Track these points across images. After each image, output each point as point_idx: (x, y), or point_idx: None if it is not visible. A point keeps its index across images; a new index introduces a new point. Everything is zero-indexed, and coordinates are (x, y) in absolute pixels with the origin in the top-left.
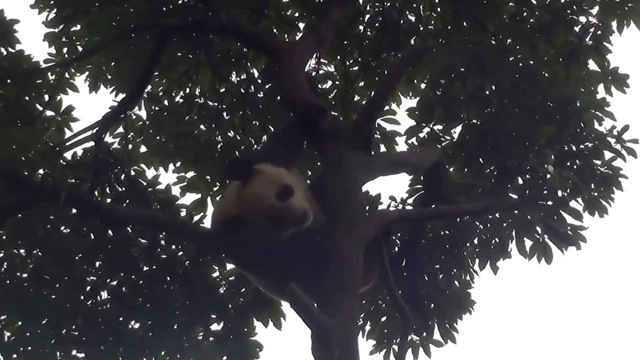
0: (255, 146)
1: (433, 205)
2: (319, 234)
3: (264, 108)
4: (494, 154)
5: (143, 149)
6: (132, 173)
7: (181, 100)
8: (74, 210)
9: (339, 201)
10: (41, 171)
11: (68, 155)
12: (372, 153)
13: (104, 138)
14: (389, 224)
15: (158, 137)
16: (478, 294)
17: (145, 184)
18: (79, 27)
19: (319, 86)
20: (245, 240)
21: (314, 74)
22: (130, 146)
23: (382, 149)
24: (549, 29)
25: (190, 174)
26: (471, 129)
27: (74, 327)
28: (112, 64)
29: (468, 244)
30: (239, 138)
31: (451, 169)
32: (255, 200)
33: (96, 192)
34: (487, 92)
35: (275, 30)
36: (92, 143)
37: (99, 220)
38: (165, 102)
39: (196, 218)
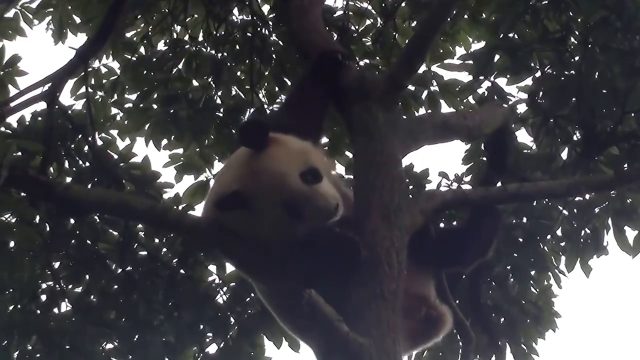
0: (268, 106)
1: (499, 184)
2: (345, 224)
3: (279, 56)
4: (578, 115)
5: (114, 112)
6: (99, 143)
7: (164, 48)
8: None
9: (371, 180)
10: None
11: (12, 120)
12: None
13: (59, 97)
14: (440, 209)
15: (139, 103)
16: (564, 305)
17: (115, 157)
18: None
19: (351, 27)
20: (242, 230)
21: (340, 11)
22: (95, 109)
23: (444, 106)
24: None
25: (183, 150)
26: (546, 82)
27: (28, 347)
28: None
29: (549, 237)
30: (244, 97)
31: (521, 136)
32: (272, 176)
33: (50, 169)
34: (568, 32)
35: None
36: (44, 104)
37: (54, 207)
38: (142, 51)
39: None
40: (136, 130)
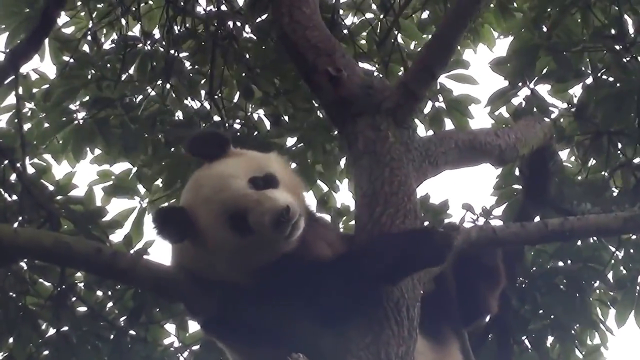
0: (226, 121)
1: (537, 219)
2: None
3: (254, 56)
4: (638, 131)
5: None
6: (30, 171)
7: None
8: None
9: (377, 215)
10: None
11: None
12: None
13: None
14: (463, 250)
15: (61, 102)
16: None
17: (50, 188)
18: None
19: (343, 22)
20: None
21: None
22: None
23: (449, 125)
24: None
25: (119, 167)
26: (599, 90)
27: None
28: None
29: (597, 284)
30: (207, 106)
31: (567, 158)
32: (215, 182)
33: None
34: (626, 28)
35: None
36: None
37: None
38: (86, 49)
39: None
40: (53, 134)
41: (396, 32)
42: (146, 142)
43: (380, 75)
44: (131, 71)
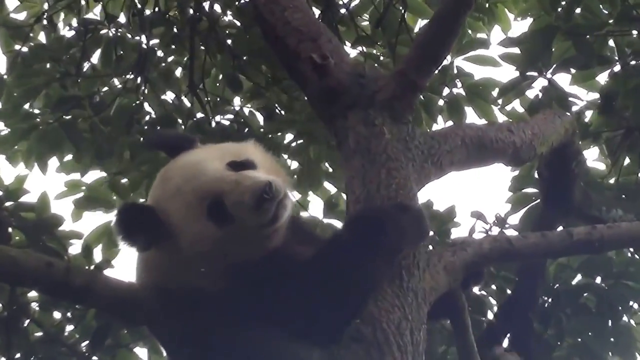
0: (212, 117)
1: (559, 228)
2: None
3: (238, 43)
4: None
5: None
6: None
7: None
8: None
9: None
10: None
11: None
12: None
13: None
14: (475, 264)
15: (20, 104)
16: None
17: None
18: None
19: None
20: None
21: None
22: None
23: (470, 115)
24: None
25: (90, 176)
26: (628, 80)
27: None
28: None
29: (633, 305)
30: (187, 103)
31: (592, 157)
32: (188, 171)
33: None
34: None
35: None
36: None
37: None
38: (42, 39)
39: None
40: (13, 143)
41: (403, 11)
42: (122, 146)
43: (387, 61)
44: (94, 60)
